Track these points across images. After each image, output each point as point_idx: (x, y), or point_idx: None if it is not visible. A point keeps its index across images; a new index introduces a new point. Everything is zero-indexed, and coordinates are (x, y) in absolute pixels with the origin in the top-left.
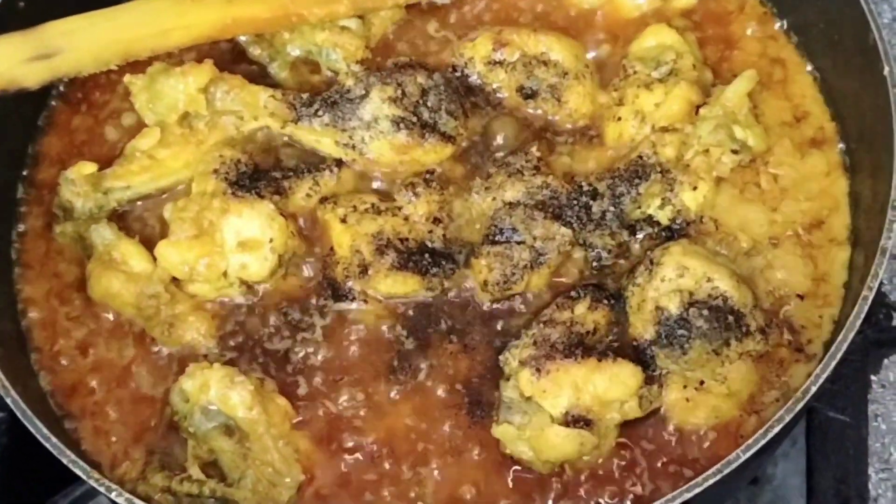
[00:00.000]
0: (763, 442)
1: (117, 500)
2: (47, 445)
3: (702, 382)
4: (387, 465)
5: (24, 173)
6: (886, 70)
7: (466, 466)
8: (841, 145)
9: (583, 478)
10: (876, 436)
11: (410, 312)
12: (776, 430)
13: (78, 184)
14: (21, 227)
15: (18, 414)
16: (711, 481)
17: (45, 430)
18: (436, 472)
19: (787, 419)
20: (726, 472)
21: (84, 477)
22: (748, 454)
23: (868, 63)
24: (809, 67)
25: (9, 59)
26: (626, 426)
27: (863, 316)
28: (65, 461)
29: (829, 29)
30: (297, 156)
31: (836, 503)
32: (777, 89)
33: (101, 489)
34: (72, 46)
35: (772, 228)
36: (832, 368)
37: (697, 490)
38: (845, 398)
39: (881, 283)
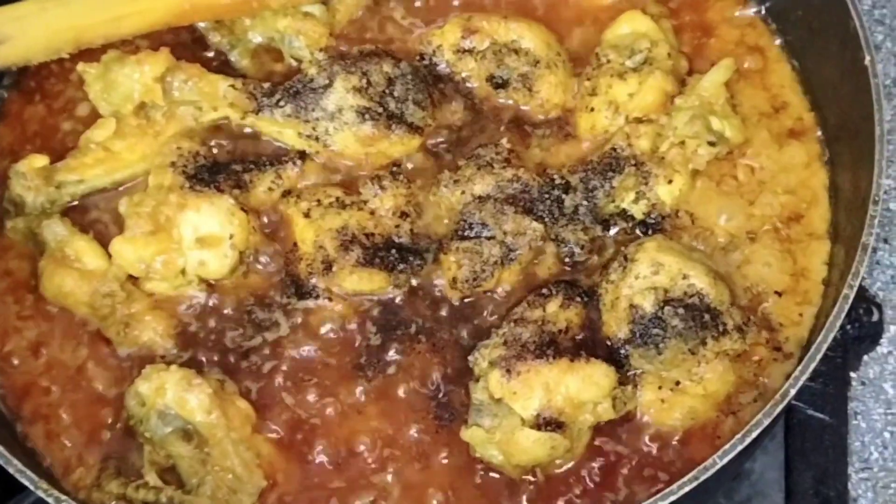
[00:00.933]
0: (741, 447)
1: None
2: None
3: (677, 383)
4: (352, 471)
5: None
6: (867, 59)
7: (434, 471)
8: (820, 136)
9: (555, 482)
10: (856, 435)
11: (377, 311)
12: (754, 434)
13: (29, 177)
14: None
15: None
16: (687, 488)
17: None
18: (403, 477)
19: (766, 423)
20: (703, 478)
21: (31, 487)
22: (725, 460)
23: (848, 51)
24: (788, 56)
25: None
26: (600, 428)
27: (843, 315)
28: (11, 471)
29: (809, 16)
30: (258, 148)
31: None
32: (755, 79)
33: (50, 500)
34: (21, 33)
35: (749, 222)
36: (811, 370)
37: (673, 498)
38: (824, 396)
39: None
